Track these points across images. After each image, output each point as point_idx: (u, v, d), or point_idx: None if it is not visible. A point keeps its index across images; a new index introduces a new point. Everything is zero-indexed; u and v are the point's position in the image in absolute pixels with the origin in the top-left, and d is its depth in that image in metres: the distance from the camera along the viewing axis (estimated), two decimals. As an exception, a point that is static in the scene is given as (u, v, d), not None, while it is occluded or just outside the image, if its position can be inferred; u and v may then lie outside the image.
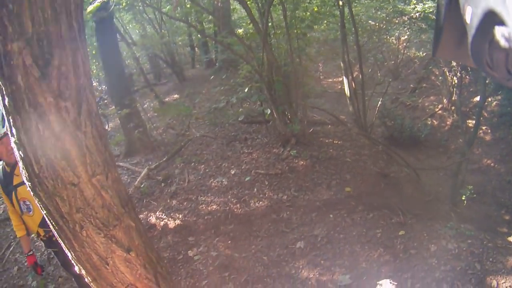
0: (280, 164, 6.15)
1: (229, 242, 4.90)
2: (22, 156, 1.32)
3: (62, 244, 1.58)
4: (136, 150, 7.60)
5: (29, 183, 1.40)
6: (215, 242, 4.93)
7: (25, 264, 5.15)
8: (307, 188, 5.67)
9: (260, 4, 6.03)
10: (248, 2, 6.02)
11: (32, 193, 1.44)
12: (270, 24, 6.05)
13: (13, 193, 3.38)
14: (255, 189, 5.69)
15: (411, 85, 15.74)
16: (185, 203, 5.72)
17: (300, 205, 5.35)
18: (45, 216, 1.52)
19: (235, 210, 5.38)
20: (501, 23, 0.54)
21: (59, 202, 1.38)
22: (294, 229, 5.00)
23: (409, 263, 4.17)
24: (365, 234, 4.70)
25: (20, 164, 1.37)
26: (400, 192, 6.24)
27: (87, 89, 1.36)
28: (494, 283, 3.84)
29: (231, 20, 12.21)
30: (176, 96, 12.61)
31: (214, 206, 5.50)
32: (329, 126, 8.07)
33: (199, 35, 11.63)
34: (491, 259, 4.11)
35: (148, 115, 8.83)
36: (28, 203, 3.34)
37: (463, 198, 8.23)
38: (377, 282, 2.44)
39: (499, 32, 0.55)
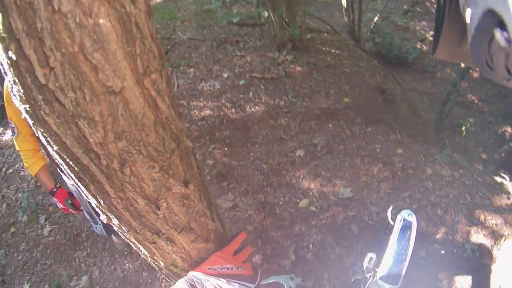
0: (276, 69, 5.75)
1: (226, 149, 4.64)
2: (14, 58, 0.71)
3: (83, 189, 1.05)
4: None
5: (26, 105, 0.81)
6: (210, 149, 4.66)
7: (13, 199, 4.74)
8: (305, 95, 5.38)
9: None
10: None
11: (30, 122, 0.86)
12: None
13: None
14: (251, 93, 5.33)
15: (405, 7, 15.38)
16: (176, 109, 5.33)
17: (298, 112, 5.09)
18: (55, 154, 0.95)
19: (230, 115, 5.04)
20: (501, 23, 0.53)
21: (84, 128, 0.82)
22: (293, 137, 4.80)
23: (407, 183, 4.17)
24: (365, 148, 4.59)
25: (9, 75, 0.76)
26: (396, 110, 6.12)
27: None
28: (482, 217, 3.94)
29: None
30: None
31: (208, 111, 5.14)
32: (326, 34, 7.69)
33: None
34: (480, 194, 4.20)
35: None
36: None
37: (463, 129, 8.30)
38: (399, 212, 2.40)
39: (499, 32, 0.55)
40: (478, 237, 3.80)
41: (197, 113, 5.13)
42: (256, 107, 5.08)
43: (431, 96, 11.50)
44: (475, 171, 4.60)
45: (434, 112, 9.93)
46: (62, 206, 2.88)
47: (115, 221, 1.16)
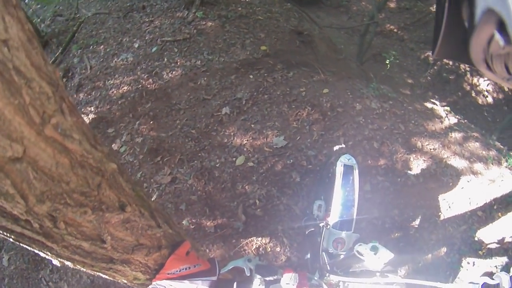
0: (187, 28, 5.50)
1: (151, 122, 4.45)
2: None
3: (29, 248, 1.01)
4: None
5: None
6: (136, 126, 4.45)
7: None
8: (221, 50, 5.24)
9: None
10: None
11: None
12: None
13: None
14: (165, 59, 5.09)
15: None
16: (93, 92, 4.95)
17: (217, 68, 4.96)
18: None
19: (149, 86, 4.80)
20: (501, 22, 0.53)
21: (4, 204, 0.75)
22: (215, 95, 4.70)
23: (338, 121, 4.29)
24: (290, 93, 4.62)
25: None
26: (315, 50, 6.13)
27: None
28: (419, 144, 4.22)
29: None
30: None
31: (125, 87, 4.84)
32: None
33: None
34: (413, 121, 4.46)
35: (31, 10, 7.56)
36: None
37: (387, 62, 8.49)
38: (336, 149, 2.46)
39: (499, 32, 0.54)
40: (419, 163, 3.94)
41: (115, 92, 4.86)
42: (173, 72, 4.88)
43: (349, 29, 11.63)
44: (404, 100, 4.85)
45: (354, 45, 10.06)
46: None
47: (68, 263, 1.12)
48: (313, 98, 4.49)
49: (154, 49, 5.15)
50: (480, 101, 11.84)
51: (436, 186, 3.95)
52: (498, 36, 0.55)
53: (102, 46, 5.55)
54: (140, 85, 4.83)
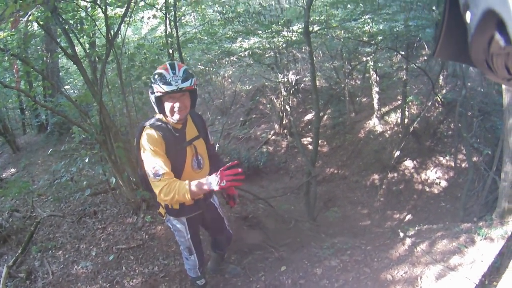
0: (139, 234, 5.62)
1: None
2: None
3: None
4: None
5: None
6: None
7: None
8: (175, 253, 5.26)
9: (93, 59, 5.60)
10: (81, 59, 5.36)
11: None
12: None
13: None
14: (124, 267, 5.06)
15: (241, 118, 16.54)
16: (60, 301, 4.74)
17: (175, 272, 4.95)
18: None
19: (112, 295, 4.70)
20: (501, 23, 0.53)
21: None
22: (178, 301, 4.61)
23: None
24: (250, 281, 4.68)
25: None
26: (264, 229, 6.36)
27: None
28: (389, 276, 4.19)
29: (59, 77, 11.59)
30: (12, 170, 10.86)
31: (90, 297, 4.71)
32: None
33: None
34: (376, 259, 4.54)
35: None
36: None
37: (332, 219, 8.82)
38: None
39: (499, 32, 0.55)
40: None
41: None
42: (134, 280, 4.82)
43: (294, 190, 12.11)
44: (361, 243, 4.99)
45: (303, 202, 10.47)
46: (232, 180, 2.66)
47: None
48: (273, 279, 4.53)
49: (111, 257, 5.18)
50: (436, 191, 12.11)
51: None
52: (498, 37, 0.56)
53: (61, 252, 5.41)
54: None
